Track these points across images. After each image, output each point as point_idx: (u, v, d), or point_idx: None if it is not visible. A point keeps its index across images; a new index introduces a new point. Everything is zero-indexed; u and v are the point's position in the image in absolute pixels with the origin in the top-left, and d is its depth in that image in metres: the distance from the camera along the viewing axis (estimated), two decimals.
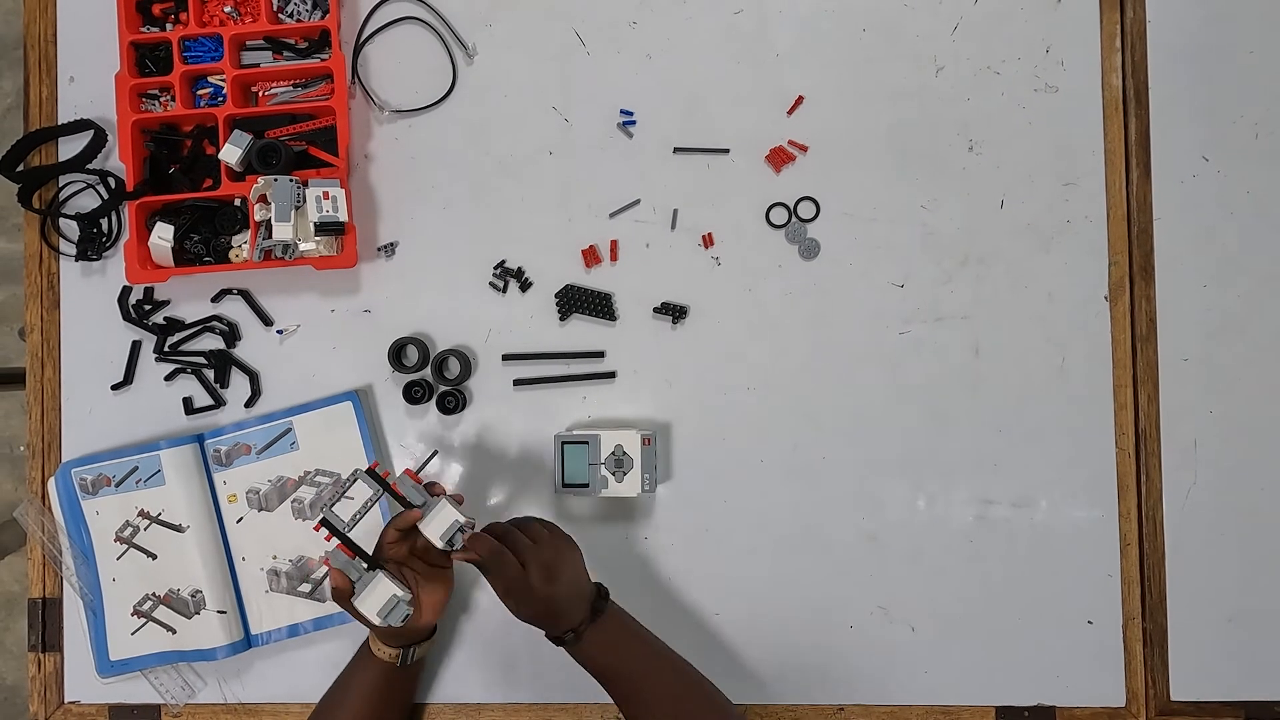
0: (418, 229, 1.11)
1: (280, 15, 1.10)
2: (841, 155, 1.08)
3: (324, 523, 0.93)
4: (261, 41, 1.11)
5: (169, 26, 1.11)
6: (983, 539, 1.05)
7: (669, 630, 0.99)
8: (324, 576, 1.05)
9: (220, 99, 1.09)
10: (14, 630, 1.98)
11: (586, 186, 1.09)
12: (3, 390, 1.96)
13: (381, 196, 1.11)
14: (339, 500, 0.94)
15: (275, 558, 1.08)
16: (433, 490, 0.93)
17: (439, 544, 0.91)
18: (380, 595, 0.91)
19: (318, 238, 1.03)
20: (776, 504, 1.07)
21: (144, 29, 1.10)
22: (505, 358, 1.09)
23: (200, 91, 1.11)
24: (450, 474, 1.10)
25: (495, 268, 1.09)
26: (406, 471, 0.94)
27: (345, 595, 0.92)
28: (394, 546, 0.94)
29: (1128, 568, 1.05)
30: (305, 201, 1.03)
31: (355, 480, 0.94)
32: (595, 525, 1.08)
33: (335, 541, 0.93)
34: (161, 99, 1.11)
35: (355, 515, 0.93)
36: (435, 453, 1.01)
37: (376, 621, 0.90)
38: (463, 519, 0.91)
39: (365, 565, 0.92)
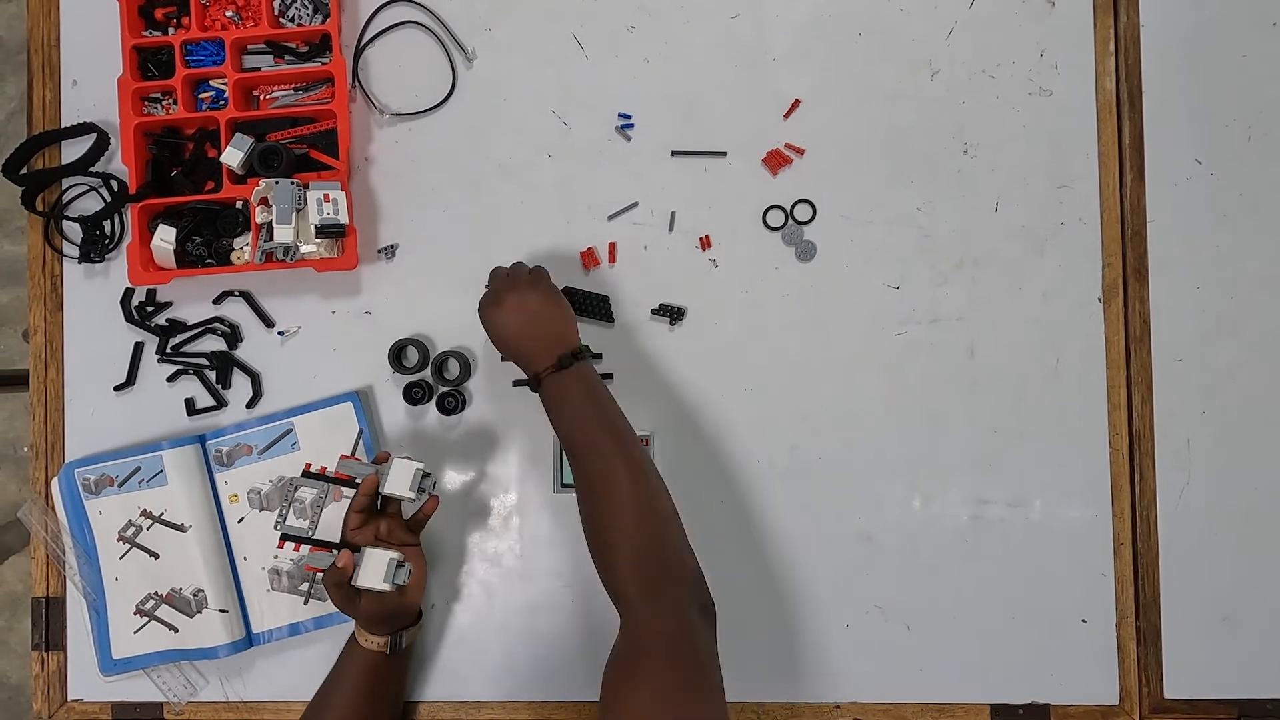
0: (418, 231, 1.12)
1: (281, 20, 1.11)
2: (838, 158, 1.09)
3: (284, 536, 0.95)
4: (263, 46, 1.12)
5: (171, 31, 1.12)
6: (978, 538, 1.06)
7: None
8: (314, 582, 1.06)
9: (222, 103, 1.10)
10: (18, 629, 1.99)
11: (585, 189, 1.10)
12: (6, 391, 1.97)
13: (382, 199, 1.12)
14: (289, 509, 0.97)
15: (276, 557, 1.09)
16: (378, 459, 0.95)
17: (411, 494, 0.93)
18: (376, 564, 0.92)
19: (318, 240, 1.04)
20: (773, 504, 1.07)
21: (146, 33, 1.11)
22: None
23: (202, 95, 1.12)
24: (449, 476, 1.10)
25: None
26: (342, 456, 0.96)
27: (345, 585, 0.93)
28: (359, 532, 0.96)
29: (1121, 567, 1.06)
30: (306, 204, 1.04)
31: (296, 488, 0.96)
32: None
33: (304, 550, 0.95)
34: (164, 102, 1.12)
35: (312, 516, 0.95)
36: (361, 430, 1.02)
37: (385, 586, 0.92)
38: (421, 464, 0.93)
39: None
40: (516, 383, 1.05)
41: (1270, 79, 1.07)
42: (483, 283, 1.10)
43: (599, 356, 1.06)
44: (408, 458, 0.95)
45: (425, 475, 0.94)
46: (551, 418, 0.93)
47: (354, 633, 1.00)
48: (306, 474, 0.96)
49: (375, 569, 0.92)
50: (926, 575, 1.06)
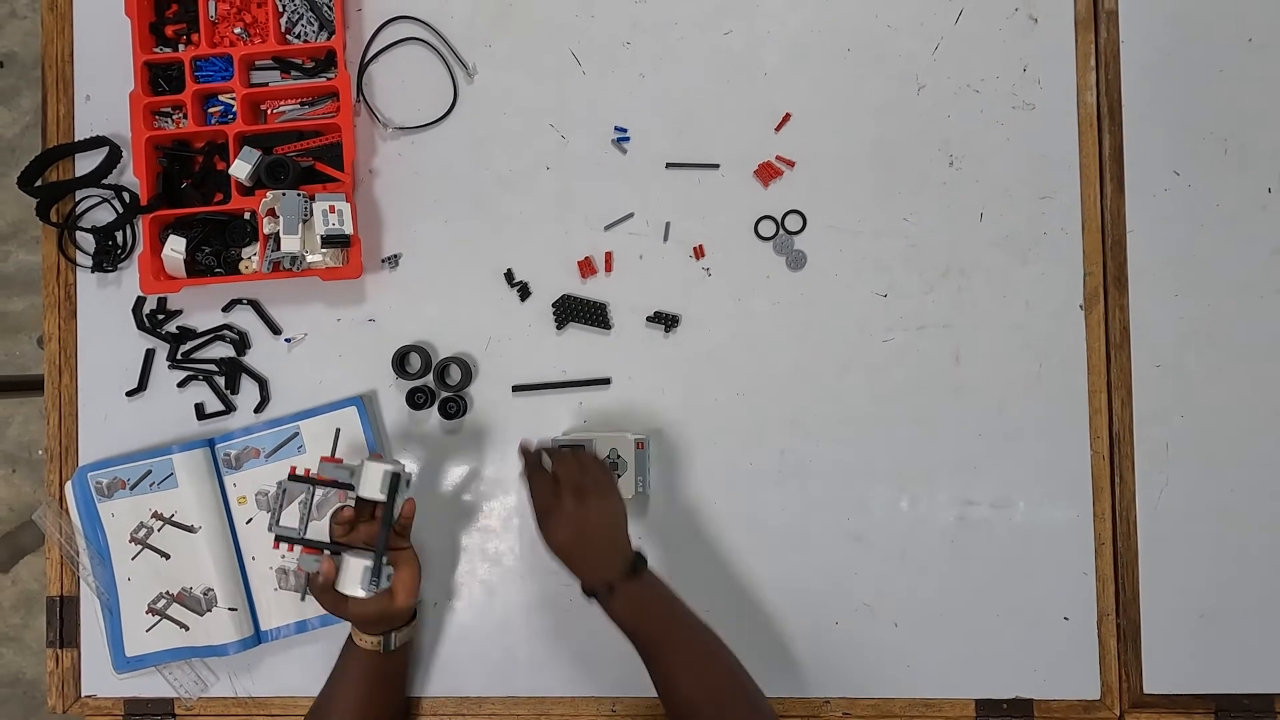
0: (420, 241, 1.15)
1: (288, 37, 1.14)
2: (827, 170, 1.12)
3: (279, 538, 0.98)
4: (270, 61, 1.15)
5: (181, 47, 1.14)
6: (963, 538, 1.09)
7: None
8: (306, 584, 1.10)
9: (230, 116, 1.13)
10: (33, 627, 2.03)
11: (582, 200, 1.13)
12: (22, 396, 2.01)
13: (385, 210, 1.15)
14: (281, 512, 0.99)
15: (284, 557, 1.12)
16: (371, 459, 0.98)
17: (380, 495, 0.95)
18: (353, 572, 0.95)
19: (324, 250, 1.07)
20: (765, 505, 1.10)
21: (157, 50, 1.14)
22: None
23: (211, 109, 1.15)
24: (451, 476, 1.14)
25: (509, 280, 1.14)
26: (323, 459, 0.98)
27: (331, 589, 0.96)
28: (346, 537, 0.98)
29: (1102, 566, 1.08)
30: (312, 215, 1.06)
31: (284, 491, 0.99)
32: None
33: (298, 551, 0.98)
34: (174, 116, 1.15)
35: (302, 517, 0.98)
36: (339, 430, 1.04)
37: (361, 593, 0.94)
38: (391, 466, 0.95)
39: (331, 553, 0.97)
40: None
41: (1246, 93, 1.10)
42: (483, 293, 1.13)
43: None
44: (379, 459, 0.97)
45: (396, 476, 0.95)
46: (631, 623, 0.95)
47: (350, 633, 1.02)
48: (292, 477, 0.98)
49: (353, 576, 0.94)
50: (914, 574, 1.09)
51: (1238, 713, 1.07)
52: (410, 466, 1.11)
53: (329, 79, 1.13)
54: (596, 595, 0.96)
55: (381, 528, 0.96)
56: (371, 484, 0.96)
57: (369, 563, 0.94)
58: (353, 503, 0.98)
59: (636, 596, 0.95)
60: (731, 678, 0.95)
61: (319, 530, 0.99)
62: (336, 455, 0.98)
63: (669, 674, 0.93)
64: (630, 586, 0.95)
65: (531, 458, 1.00)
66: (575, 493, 0.95)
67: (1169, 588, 1.08)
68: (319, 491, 1.08)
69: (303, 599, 1.06)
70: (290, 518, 1.07)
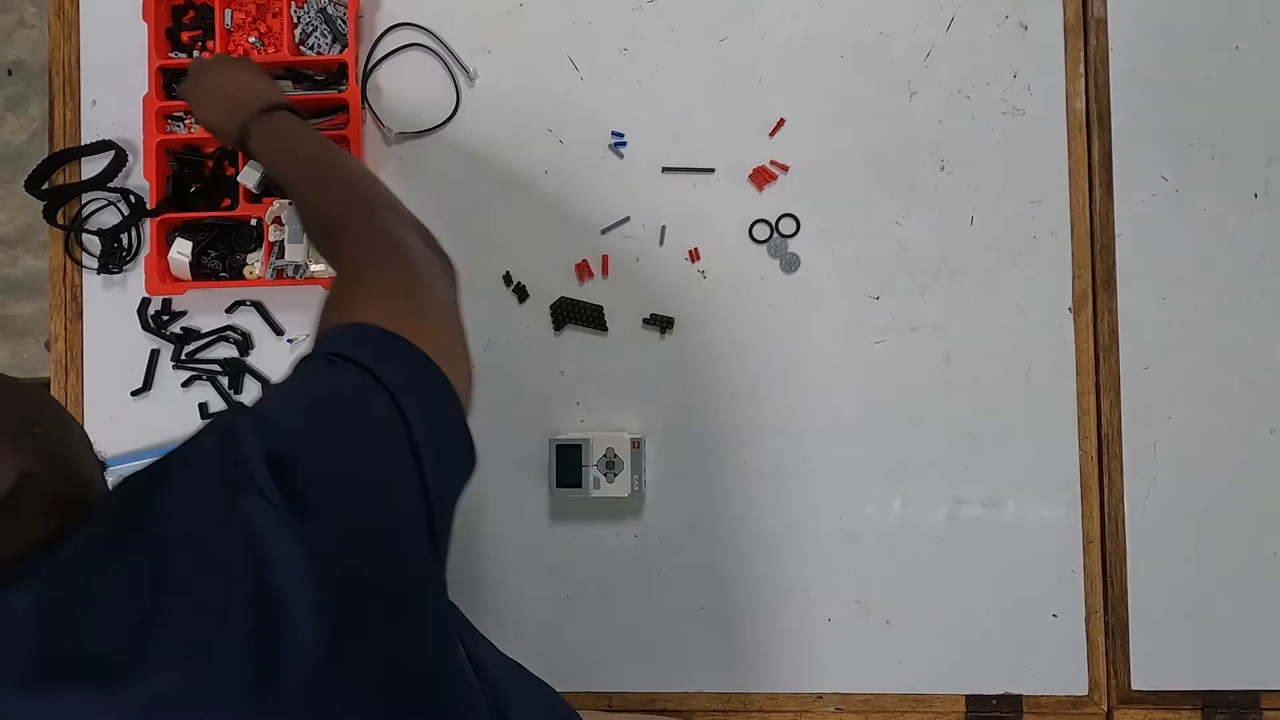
0: None
1: (301, 48, 1.15)
2: (821, 175, 1.14)
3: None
4: (282, 71, 1.16)
5: (196, 53, 1.16)
6: (954, 537, 1.11)
7: (658, 622, 1.05)
8: None
9: None
10: None
11: (580, 204, 1.15)
12: None
13: None
14: None
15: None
16: None
17: None
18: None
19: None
20: (759, 504, 1.12)
21: (172, 55, 1.16)
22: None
23: None
24: None
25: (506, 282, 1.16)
26: None
27: None
28: None
29: (1090, 564, 1.10)
30: None
31: None
32: (587, 524, 1.13)
33: None
34: (186, 121, 1.17)
35: None
36: None
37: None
38: None
39: None
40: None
41: (1232, 100, 1.11)
42: (483, 296, 1.15)
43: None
44: None
45: None
46: (265, 161, 0.94)
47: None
48: None
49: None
50: (905, 571, 1.11)
51: (1224, 708, 1.09)
52: None
53: (340, 91, 1.15)
54: (240, 143, 0.94)
55: None
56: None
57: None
58: None
59: (269, 130, 0.93)
60: (342, 173, 0.89)
61: None
62: None
63: (303, 196, 0.88)
64: (263, 122, 0.92)
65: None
66: (197, 66, 0.99)
67: (1156, 585, 1.10)
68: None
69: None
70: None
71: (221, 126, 0.95)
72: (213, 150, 1.17)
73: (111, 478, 1.13)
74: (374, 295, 0.73)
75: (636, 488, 1.09)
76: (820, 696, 1.11)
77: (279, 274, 1.10)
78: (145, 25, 1.14)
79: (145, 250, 1.16)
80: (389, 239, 0.78)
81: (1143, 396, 1.11)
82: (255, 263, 1.13)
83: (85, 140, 1.19)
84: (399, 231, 0.79)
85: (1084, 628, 1.10)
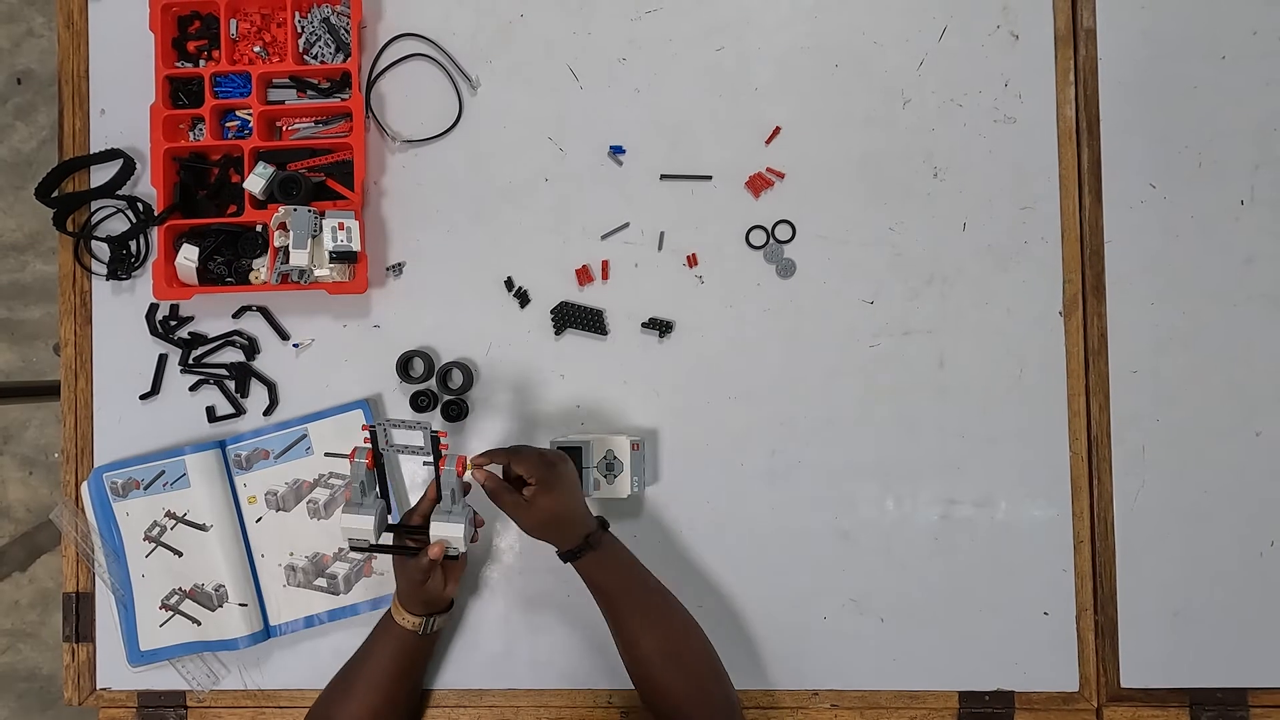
0: (424, 250, 1.18)
1: (305, 57, 1.17)
2: (816, 182, 1.16)
3: (354, 548, 1.02)
4: (287, 80, 1.18)
5: (202, 63, 1.18)
6: (947, 536, 1.13)
7: None
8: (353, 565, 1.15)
9: (247, 132, 1.17)
10: (50, 624, 2.07)
11: (580, 211, 1.17)
12: (39, 401, 2.05)
13: (390, 219, 1.19)
14: (398, 430, 0.99)
15: (292, 554, 1.16)
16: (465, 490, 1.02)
17: (433, 551, 1.00)
18: (452, 531, 0.99)
19: (331, 265, 1.11)
20: (756, 504, 1.14)
21: (179, 64, 1.18)
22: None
23: (228, 124, 1.18)
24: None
25: (508, 286, 1.18)
26: (459, 459, 1.01)
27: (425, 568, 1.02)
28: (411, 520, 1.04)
29: (1081, 563, 1.12)
30: (321, 231, 1.10)
31: (422, 431, 0.97)
32: None
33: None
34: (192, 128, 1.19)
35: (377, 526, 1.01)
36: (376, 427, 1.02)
37: (463, 546, 1.00)
38: (462, 548, 1.00)
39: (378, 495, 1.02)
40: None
41: (1220, 109, 1.13)
42: (484, 300, 1.17)
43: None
44: (476, 525, 1.04)
45: (435, 435, 0.98)
46: (598, 581, 1.01)
47: (389, 612, 1.06)
48: (435, 439, 0.98)
49: (454, 535, 0.99)
50: (899, 571, 1.13)
51: (1211, 706, 1.11)
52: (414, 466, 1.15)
53: (343, 99, 1.17)
54: (571, 559, 1.01)
55: (443, 488, 1.01)
56: (441, 532, 1.00)
57: (459, 523, 1.00)
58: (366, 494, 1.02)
59: (599, 556, 1.01)
60: (685, 631, 1.02)
61: (360, 527, 1.02)
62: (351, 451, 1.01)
63: (627, 625, 1.00)
64: (600, 547, 1.01)
65: (492, 481, 1.02)
66: (541, 485, 0.99)
67: (1145, 585, 1.12)
68: (323, 493, 1.13)
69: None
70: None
71: (574, 517, 1.01)
72: (218, 158, 1.19)
73: (112, 479, 1.15)
74: None
75: (636, 489, 1.10)
76: (816, 693, 1.13)
77: (284, 279, 1.12)
78: (152, 35, 1.16)
79: (153, 256, 1.18)
80: None
81: (1132, 399, 1.13)
82: (261, 268, 1.15)
83: (94, 148, 1.21)
84: None
85: (1074, 626, 1.12)
